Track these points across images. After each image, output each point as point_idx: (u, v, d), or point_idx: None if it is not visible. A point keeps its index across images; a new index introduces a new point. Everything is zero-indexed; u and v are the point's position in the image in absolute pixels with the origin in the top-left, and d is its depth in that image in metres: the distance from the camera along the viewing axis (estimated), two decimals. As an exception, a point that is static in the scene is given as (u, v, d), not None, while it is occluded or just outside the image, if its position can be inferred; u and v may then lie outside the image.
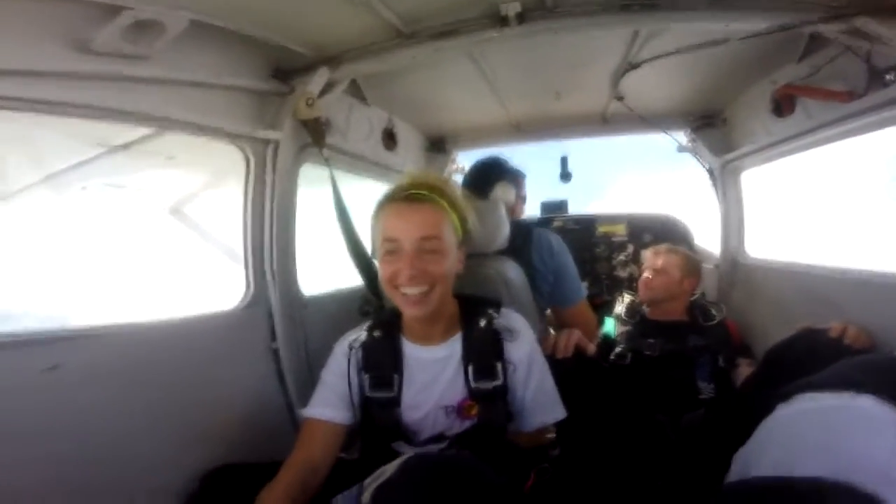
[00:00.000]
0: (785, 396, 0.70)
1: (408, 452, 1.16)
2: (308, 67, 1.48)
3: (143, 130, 1.27)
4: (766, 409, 0.74)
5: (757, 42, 1.37)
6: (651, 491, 1.30)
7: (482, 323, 1.13)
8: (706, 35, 1.42)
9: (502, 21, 1.33)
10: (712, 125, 2.26)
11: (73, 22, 0.97)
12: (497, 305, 1.19)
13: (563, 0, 1.31)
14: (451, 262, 1.08)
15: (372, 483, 0.84)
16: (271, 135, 1.45)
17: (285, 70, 1.51)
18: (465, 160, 2.66)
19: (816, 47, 1.47)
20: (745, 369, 1.75)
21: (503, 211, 1.52)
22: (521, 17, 1.32)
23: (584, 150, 2.83)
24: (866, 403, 0.56)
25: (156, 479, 1.15)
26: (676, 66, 1.60)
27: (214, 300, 1.49)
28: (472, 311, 1.16)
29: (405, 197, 1.07)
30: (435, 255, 1.04)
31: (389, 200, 1.09)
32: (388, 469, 0.82)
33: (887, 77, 1.26)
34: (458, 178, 2.52)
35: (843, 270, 1.54)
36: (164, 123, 1.20)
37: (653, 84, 1.90)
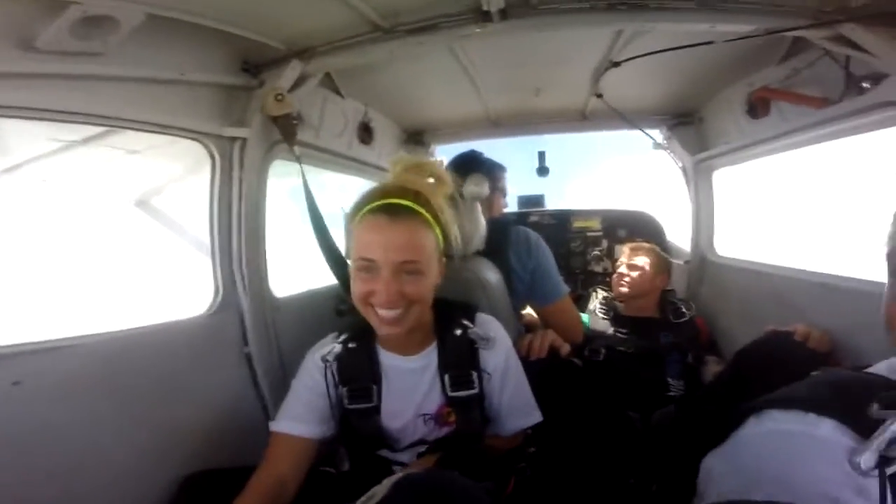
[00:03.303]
0: (757, 410, 0.70)
1: (391, 459, 1.17)
2: (279, 60, 1.40)
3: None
4: (739, 417, 0.75)
5: (738, 43, 1.36)
6: (623, 488, 1.35)
7: (457, 332, 1.12)
8: (690, 36, 1.40)
9: (485, 16, 1.28)
10: (688, 124, 2.28)
11: (14, 19, 0.88)
12: (472, 312, 1.17)
13: None
14: (431, 279, 1.02)
15: None
16: (238, 132, 1.37)
17: (255, 63, 1.42)
18: (441, 155, 2.60)
19: (797, 51, 1.47)
20: (712, 367, 1.81)
21: (479, 212, 1.49)
22: (504, 14, 1.27)
23: (561, 143, 2.82)
24: (825, 430, 0.57)
25: (133, 488, 1.13)
26: (657, 64, 1.59)
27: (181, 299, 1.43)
28: (446, 319, 1.13)
29: (385, 208, 0.98)
30: (413, 277, 0.98)
31: (368, 208, 0.99)
32: (379, 490, 0.80)
33: (863, 84, 1.27)
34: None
35: (807, 273, 1.59)
36: (121, 123, 1.12)
37: (632, 82, 1.89)
